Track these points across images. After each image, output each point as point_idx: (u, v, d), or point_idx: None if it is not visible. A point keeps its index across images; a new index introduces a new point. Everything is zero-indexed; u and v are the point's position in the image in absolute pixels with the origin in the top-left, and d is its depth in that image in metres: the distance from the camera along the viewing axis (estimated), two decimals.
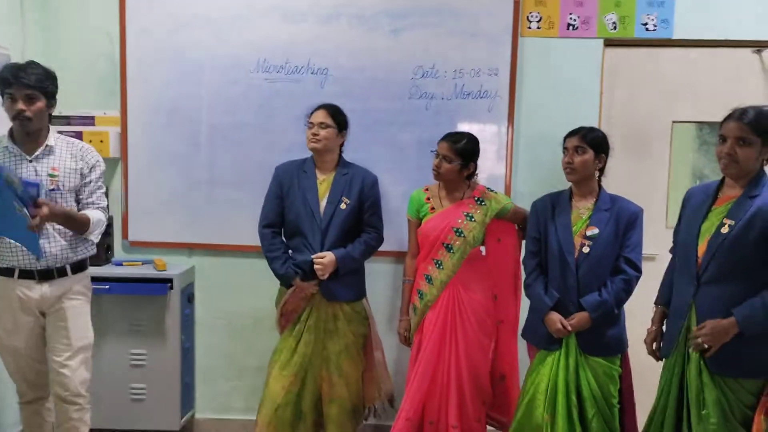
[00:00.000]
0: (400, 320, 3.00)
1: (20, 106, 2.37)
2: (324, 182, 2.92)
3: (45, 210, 2.29)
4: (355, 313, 2.95)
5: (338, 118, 2.91)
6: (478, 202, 2.87)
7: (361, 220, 2.95)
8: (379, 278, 3.36)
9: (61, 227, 2.52)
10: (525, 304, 2.87)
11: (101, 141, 3.24)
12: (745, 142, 2.23)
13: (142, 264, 3.31)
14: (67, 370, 2.59)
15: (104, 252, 3.24)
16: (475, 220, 2.84)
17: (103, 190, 2.69)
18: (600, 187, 2.71)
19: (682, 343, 2.37)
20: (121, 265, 3.29)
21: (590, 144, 2.62)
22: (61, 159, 2.53)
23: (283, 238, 2.97)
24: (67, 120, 3.28)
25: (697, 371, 2.28)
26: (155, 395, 3.25)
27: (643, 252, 2.70)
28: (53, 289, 2.55)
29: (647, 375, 2.69)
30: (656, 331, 2.55)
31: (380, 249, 3.10)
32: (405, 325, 2.96)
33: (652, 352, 2.55)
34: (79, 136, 3.18)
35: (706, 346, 2.24)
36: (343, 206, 2.88)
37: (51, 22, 3.31)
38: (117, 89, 3.32)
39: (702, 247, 2.31)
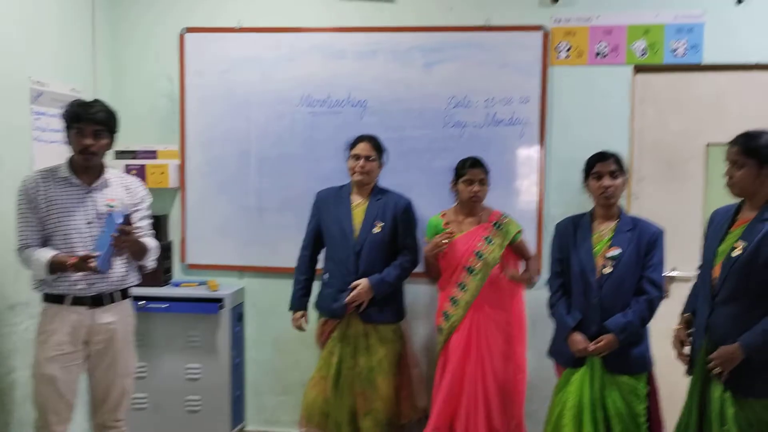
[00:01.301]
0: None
1: (88, 141, 2.50)
2: (359, 207, 3.11)
3: (132, 236, 2.50)
4: (390, 332, 3.10)
5: (380, 150, 3.11)
6: (496, 227, 3.03)
7: (395, 243, 3.11)
8: (418, 299, 3.51)
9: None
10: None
11: (162, 173, 3.56)
12: (738, 165, 2.33)
13: (197, 285, 3.58)
14: (112, 399, 2.66)
15: (163, 274, 3.54)
16: (493, 243, 3.01)
17: (151, 220, 2.81)
18: (620, 209, 2.79)
19: (701, 362, 2.41)
20: (179, 286, 3.57)
21: (621, 167, 2.75)
22: (116, 191, 2.67)
23: (320, 259, 3.21)
24: (133, 154, 3.62)
25: (719, 391, 2.33)
26: (208, 407, 3.48)
27: (681, 273, 2.75)
28: (104, 316, 2.59)
29: (677, 394, 2.71)
30: (680, 330, 2.54)
31: (417, 271, 3.26)
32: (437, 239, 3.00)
33: (680, 356, 2.53)
34: (142, 168, 3.53)
35: (719, 369, 2.30)
36: (376, 230, 3.05)
37: (118, 67, 3.68)
38: (176, 125, 3.63)
39: (717, 268, 2.37)
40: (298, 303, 3.17)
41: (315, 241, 3.18)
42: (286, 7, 3.55)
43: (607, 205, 2.77)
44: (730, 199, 2.87)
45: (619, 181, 2.73)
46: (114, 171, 2.76)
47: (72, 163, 2.60)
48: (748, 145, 2.32)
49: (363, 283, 3.01)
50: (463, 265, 2.98)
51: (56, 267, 2.45)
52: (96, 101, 2.60)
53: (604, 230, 2.76)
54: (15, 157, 2.92)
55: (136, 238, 2.58)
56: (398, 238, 3.12)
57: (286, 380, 3.66)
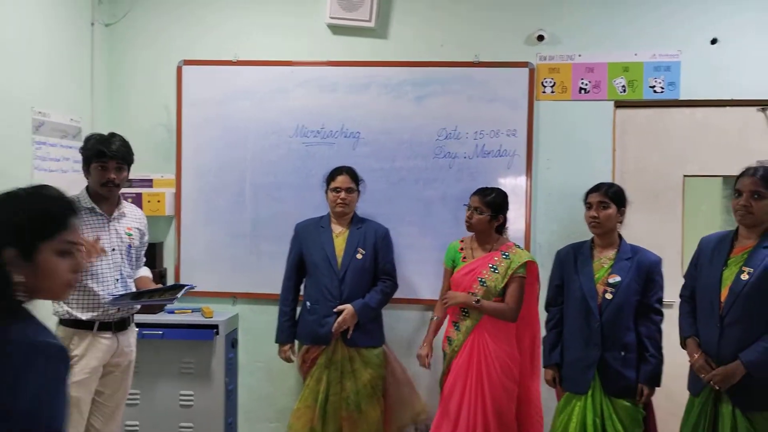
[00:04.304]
0: (421, 346, 3.15)
1: (112, 175, 2.66)
2: (341, 236, 3.22)
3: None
4: (374, 356, 3.18)
5: (357, 181, 3.23)
6: (504, 256, 3.05)
7: (375, 269, 3.22)
8: (409, 324, 3.60)
9: (131, 278, 2.81)
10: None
11: (158, 201, 3.62)
12: (759, 196, 2.47)
13: (192, 312, 3.62)
14: (113, 423, 2.77)
15: None
16: (498, 272, 3.02)
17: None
18: (621, 237, 2.90)
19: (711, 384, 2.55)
20: (174, 312, 3.60)
21: (612, 199, 2.83)
22: (131, 221, 2.84)
23: (303, 288, 3.29)
24: (129, 182, 3.66)
25: (729, 408, 2.48)
26: None
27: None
28: (122, 340, 2.73)
29: (679, 414, 2.79)
30: (702, 356, 2.57)
31: (408, 297, 3.37)
32: (426, 350, 3.11)
33: (710, 376, 2.54)
34: (139, 196, 3.59)
35: (717, 387, 2.47)
36: (359, 256, 3.16)
37: (117, 98, 3.75)
38: (173, 155, 3.70)
39: (724, 293, 2.52)
40: (287, 335, 3.23)
41: (297, 271, 3.27)
42: (281, 41, 3.67)
43: (597, 234, 2.88)
44: (706, 229, 3.03)
45: (608, 212, 2.82)
46: (126, 202, 2.89)
47: (91, 194, 2.72)
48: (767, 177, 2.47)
49: (348, 308, 3.10)
50: (468, 291, 3.04)
51: None
52: (114, 135, 2.73)
53: (603, 258, 2.86)
54: (16, 186, 2.95)
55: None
56: (378, 264, 3.23)
57: (279, 406, 3.70)
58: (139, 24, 3.73)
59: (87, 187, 2.74)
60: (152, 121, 3.73)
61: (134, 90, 3.75)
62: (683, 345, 2.72)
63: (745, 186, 2.51)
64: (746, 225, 2.55)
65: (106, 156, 2.64)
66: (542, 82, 3.54)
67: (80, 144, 3.36)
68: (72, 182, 3.24)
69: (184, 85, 3.70)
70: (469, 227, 3.09)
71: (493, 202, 3.05)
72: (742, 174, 2.56)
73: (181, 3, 3.72)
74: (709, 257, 2.64)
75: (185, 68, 3.69)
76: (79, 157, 3.34)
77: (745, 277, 2.47)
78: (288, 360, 3.27)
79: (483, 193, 3.07)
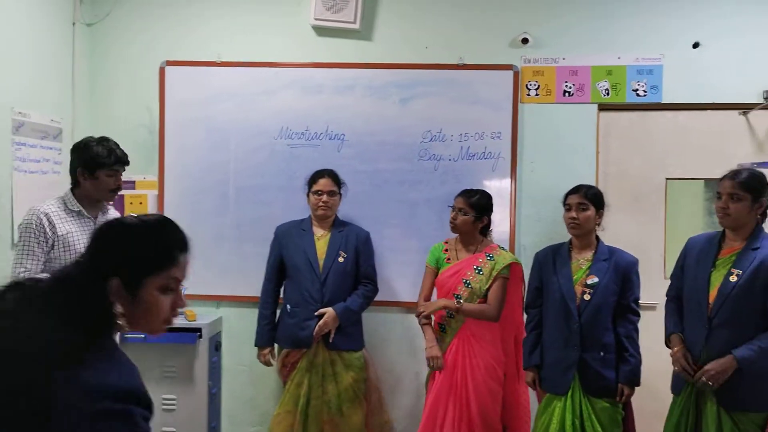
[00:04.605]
0: (429, 347, 3.04)
1: (119, 181, 2.72)
2: (322, 239, 3.21)
3: None
4: (355, 359, 3.18)
5: (339, 183, 3.22)
6: (489, 258, 3.07)
7: (356, 272, 3.22)
8: (395, 325, 3.60)
9: None
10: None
11: (140, 203, 3.59)
12: (736, 198, 2.52)
13: None
14: None
15: None
16: (482, 273, 3.04)
17: None
18: (598, 239, 2.93)
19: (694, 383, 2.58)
20: None
21: (591, 200, 2.86)
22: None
23: (283, 291, 3.27)
24: None
25: (714, 407, 2.51)
26: None
27: (644, 302, 2.92)
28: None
29: (662, 413, 2.81)
30: (682, 349, 2.63)
31: (391, 299, 3.37)
32: (437, 350, 3.01)
33: (686, 368, 2.59)
34: (121, 198, 3.55)
35: (711, 383, 2.48)
36: (340, 260, 3.16)
37: (98, 98, 3.71)
38: (155, 156, 3.67)
39: (713, 294, 2.55)
40: (266, 338, 3.21)
41: (277, 274, 3.25)
42: (265, 42, 3.65)
43: (576, 236, 2.90)
44: (688, 230, 3.06)
45: (587, 213, 2.84)
46: (108, 206, 2.88)
47: (77, 196, 2.70)
48: (746, 181, 2.51)
49: (329, 311, 3.09)
50: (452, 292, 3.04)
51: None
52: (109, 140, 2.73)
53: (581, 259, 2.89)
54: None
55: None
56: (360, 267, 3.22)
57: (263, 410, 3.67)
58: (121, 24, 3.69)
59: (72, 190, 2.71)
60: (134, 122, 3.69)
61: (116, 91, 3.71)
62: (667, 342, 2.74)
63: (725, 189, 2.56)
64: (726, 226, 2.60)
65: (120, 163, 2.69)
66: (526, 85, 3.55)
67: (61, 145, 3.37)
68: (52, 183, 3.22)
69: (167, 86, 3.66)
70: (454, 228, 3.10)
71: (478, 204, 3.06)
72: (723, 177, 2.60)
73: (164, 3, 3.68)
74: (696, 258, 2.68)
75: (168, 69, 3.66)
76: (60, 158, 3.36)
77: (734, 279, 2.51)
78: (267, 364, 3.25)
79: (468, 194, 3.08)
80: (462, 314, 2.99)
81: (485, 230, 3.15)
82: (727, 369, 2.47)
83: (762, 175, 2.56)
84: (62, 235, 2.61)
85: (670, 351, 2.71)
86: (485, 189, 3.36)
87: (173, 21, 3.68)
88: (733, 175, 2.56)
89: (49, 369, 1.14)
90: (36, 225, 2.57)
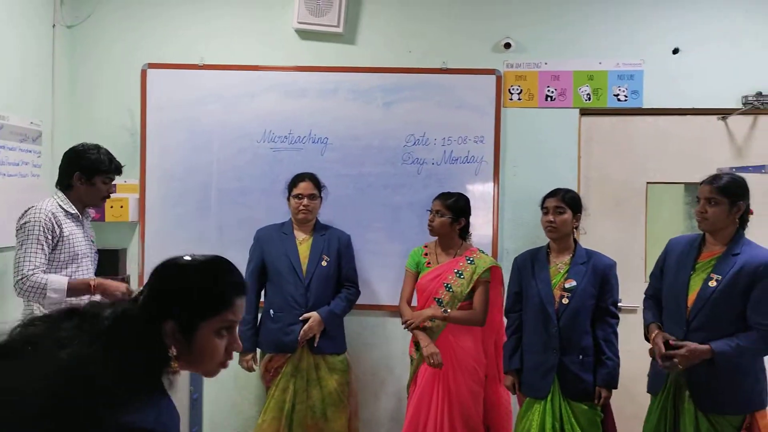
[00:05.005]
0: (426, 346, 3.01)
1: (111, 189, 2.80)
2: (304, 243, 3.20)
3: None
4: (338, 362, 3.17)
5: (320, 187, 3.21)
6: (469, 261, 3.09)
7: (339, 276, 3.22)
8: (377, 329, 3.59)
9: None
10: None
11: (121, 206, 3.55)
12: (714, 203, 2.55)
13: None
14: None
15: None
16: (463, 277, 3.05)
17: None
18: (576, 242, 2.95)
19: (671, 384, 2.60)
20: None
21: (568, 204, 2.87)
22: (90, 228, 2.90)
23: (264, 295, 3.24)
24: None
25: (692, 409, 2.53)
26: None
27: (625, 305, 2.94)
28: None
29: (641, 416, 2.82)
30: (661, 334, 2.61)
31: (373, 303, 3.38)
32: (432, 348, 2.99)
33: (660, 349, 2.57)
34: None
35: (680, 366, 2.49)
36: (324, 264, 3.15)
37: (79, 101, 3.67)
38: (136, 159, 3.63)
39: (692, 297, 2.57)
40: (249, 343, 3.16)
41: (259, 277, 3.22)
42: (249, 45, 3.63)
43: (553, 239, 2.92)
44: (668, 234, 3.09)
45: (564, 216, 2.86)
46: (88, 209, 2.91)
47: (72, 200, 2.74)
48: (723, 185, 2.54)
49: (314, 315, 3.08)
50: (433, 297, 3.06)
51: (75, 290, 2.60)
52: (101, 148, 2.76)
53: (560, 263, 2.90)
54: None
55: None
56: (342, 270, 3.22)
57: (245, 415, 3.65)
58: (102, 26, 3.66)
59: (68, 193, 2.73)
60: (115, 125, 3.65)
61: (97, 93, 3.68)
62: (646, 334, 2.74)
63: (703, 193, 2.59)
64: (704, 230, 2.63)
65: (118, 172, 2.76)
66: (509, 90, 3.57)
67: (40, 148, 3.34)
68: (31, 187, 3.18)
69: (149, 88, 3.63)
70: (431, 230, 3.13)
71: (455, 206, 3.08)
72: (702, 182, 2.64)
73: (146, 6, 3.66)
74: (676, 260, 2.70)
75: (150, 71, 3.63)
76: (40, 161, 3.32)
77: (713, 284, 2.52)
78: (250, 369, 3.22)
79: (444, 196, 3.12)
80: (450, 322, 3.00)
81: (464, 233, 3.16)
82: (698, 355, 2.47)
83: (740, 180, 2.60)
84: (66, 236, 2.65)
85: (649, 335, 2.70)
86: (468, 193, 3.38)
87: (155, 23, 3.66)
88: (711, 179, 2.60)
89: (98, 410, 1.11)
90: (44, 222, 2.60)
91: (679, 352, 2.49)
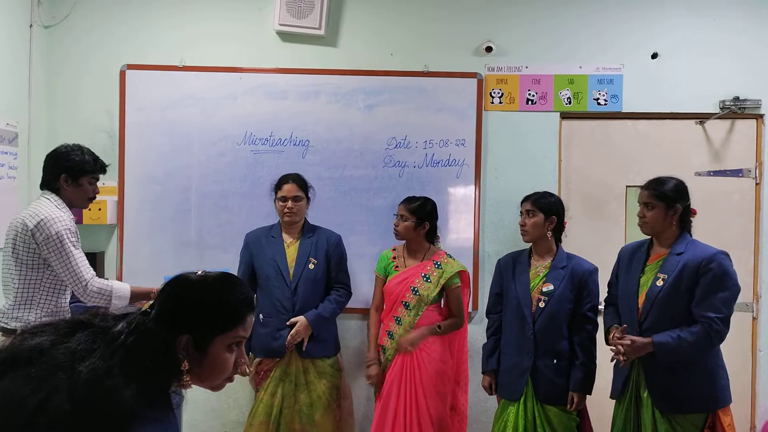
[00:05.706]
0: (369, 365, 3.15)
1: (97, 190, 2.79)
2: (292, 246, 3.17)
3: None
4: (328, 366, 3.14)
5: (306, 189, 3.18)
6: (436, 265, 3.11)
7: (328, 278, 3.19)
8: (358, 333, 3.58)
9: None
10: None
11: (99, 209, 3.50)
12: (650, 206, 2.62)
13: None
14: None
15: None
16: (430, 281, 3.08)
17: None
18: (558, 246, 2.96)
19: (633, 388, 2.63)
20: None
21: (540, 208, 2.89)
22: None
23: (255, 299, 3.17)
24: None
25: (650, 411, 2.55)
26: None
27: (603, 308, 2.96)
28: None
29: (606, 418, 2.86)
30: (622, 329, 2.62)
31: (356, 306, 3.34)
32: (375, 369, 3.12)
33: (620, 343, 2.59)
34: None
35: (622, 357, 2.53)
36: (311, 266, 3.12)
37: (56, 102, 3.61)
38: (115, 161, 3.58)
39: (641, 298, 2.61)
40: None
41: (249, 281, 3.19)
42: (229, 47, 3.61)
43: (526, 241, 2.96)
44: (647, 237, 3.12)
45: (534, 219, 2.88)
46: None
47: (64, 200, 2.71)
48: (658, 190, 2.60)
49: (301, 320, 3.05)
50: (400, 300, 3.07)
51: (136, 297, 2.72)
52: (83, 148, 2.73)
53: (540, 266, 2.92)
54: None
55: None
56: (331, 272, 3.20)
57: (226, 419, 3.62)
58: (80, 27, 3.61)
59: (61, 195, 2.68)
60: (93, 127, 3.60)
61: (75, 94, 3.62)
62: (607, 339, 2.74)
63: (641, 198, 2.68)
64: (646, 233, 2.70)
65: (103, 171, 2.76)
66: (490, 93, 3.58)
67: (17, 149, 3.28)
68: (6, 188, 3.13)
69: (128, 90, 3.59)
70: (396, 234, 3.15)
71: (418, 209, 3.10)
72: (641, 187, 2.71)
73: (125, 6, 3.62)
74: (626, 265, 2.75)
75: (129, 72, 3.59)
76: (16, 163, 3.26)
77: (660, 283, 2.57)
78: (244, 374, 3.16)
79: (409, 201, 3.14)
80: (442, 334, 3.07)
81: (431, 237, 3.17)
82: (640, 348, 2.51)
83: (676, 183, 2.65)
84: (78, 236, 2.69)
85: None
86: (450, 196, 3.40)
87: (134, 25, 3.62)
88: (647, 185, 2.67)
89: (116, 424, 1.14)
90: (75, 228, 2.64)
91: (623, 342, 2.53)
